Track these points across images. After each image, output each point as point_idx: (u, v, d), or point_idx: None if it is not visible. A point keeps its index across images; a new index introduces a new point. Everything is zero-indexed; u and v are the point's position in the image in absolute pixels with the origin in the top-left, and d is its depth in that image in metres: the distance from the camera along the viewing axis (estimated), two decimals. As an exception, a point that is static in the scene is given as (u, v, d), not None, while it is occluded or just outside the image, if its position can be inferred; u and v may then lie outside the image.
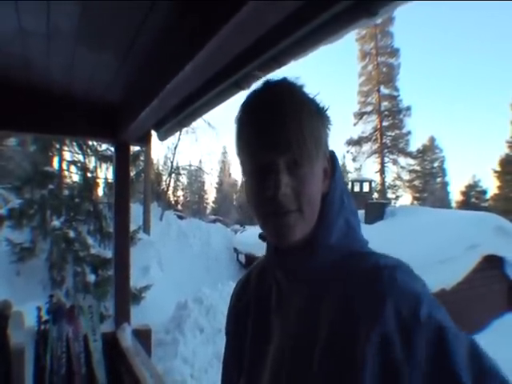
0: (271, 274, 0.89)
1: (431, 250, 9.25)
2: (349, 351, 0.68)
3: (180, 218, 20.50)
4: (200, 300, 8.03)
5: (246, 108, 0.81)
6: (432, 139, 42.01)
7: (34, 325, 2.49)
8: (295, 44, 1.32)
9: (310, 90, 0.81)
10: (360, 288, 0.71)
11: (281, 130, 0.74)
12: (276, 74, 0.84)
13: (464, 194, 38.26)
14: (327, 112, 0.81)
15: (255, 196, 0.78)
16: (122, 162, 2.78)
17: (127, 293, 2.83)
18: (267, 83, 0.81)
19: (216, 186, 55.03)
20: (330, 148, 0.83)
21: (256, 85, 0.83)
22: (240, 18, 0.91)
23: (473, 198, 37.16)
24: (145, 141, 2.77)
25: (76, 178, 10.75)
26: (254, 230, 14.05)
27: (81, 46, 1.67)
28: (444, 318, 0.69)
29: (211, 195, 55.67)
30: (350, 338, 0.68)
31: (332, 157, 0.85)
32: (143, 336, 2.74)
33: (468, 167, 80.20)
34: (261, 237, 0.86)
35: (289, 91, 0.79)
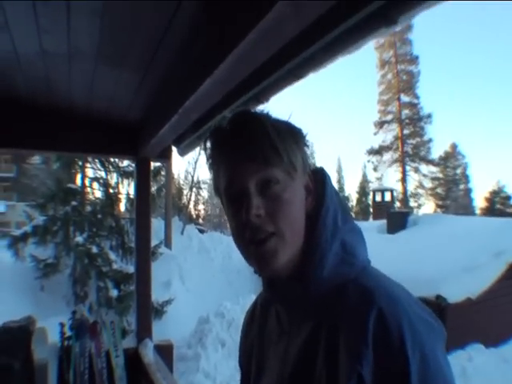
0: (272, 305, 0.88)
1: (455, 259, 9.04)
2: None
3: (201, 231, 20.56)
4: (222, 314, 8.00)
5: (213, 140, 0.79)
6: (454, 146, 41.45)
7: (58, 340, 2.50)
8: (314, 56, 1.30)
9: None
10: (345, 325, 0.68)
11: (247, 155, 0.73)
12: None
13: (488, 200, 37.48)
14: (302, 131, 0.79)
15: (232, 227, 0.76)
16: (142, 177, 2.80)
17: (149, 308, 2.83)
18: (232, 115, 0.79)
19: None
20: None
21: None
22: (261, 29, 0.91)
23: (498, 204, 36.38)
24: (165, 156, 2.78)
25: (98, 194, 10.96)
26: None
27: (101, 64, 1.70)
28: (428, 346, 0.65)
29: (232, 208, 55.79)
30: (334, 378, 0.66)
31: (320, 173, 0.82)
32: (165, 351, 2.72)
33: (492, 173, 78.81)
34: (255, 272, 0.83)
35: (253, 116, 0.77)
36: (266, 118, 0.77)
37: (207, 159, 0.81)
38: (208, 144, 0.80)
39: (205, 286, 13.76)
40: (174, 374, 2.67)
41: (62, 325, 2.51)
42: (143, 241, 2.79)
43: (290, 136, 0.76)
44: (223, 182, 0.77)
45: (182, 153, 2.63)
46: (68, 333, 2.50)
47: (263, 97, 1.64)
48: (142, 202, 2.80)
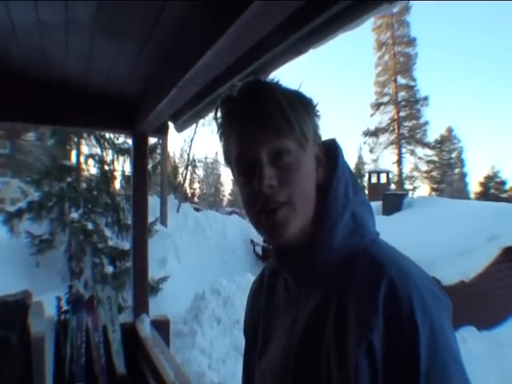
0: (281, 275, 0.88)
1: (450, 242, 9.12)
2: (342, 358, 0.67)
3: (196, 210, 20.59)
4: (217, 291, 8.07)
5: (224, 109, 0.79)
6: (450, 129, 41.30)
7: (54, 314, 2.52)
8: (315, 31, 1.28)
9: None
10: (356, 294, 0.69)
11: (259, 125, 0.72)
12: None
13: (483, 184, 37.61)
14: (312, 101, 0.78)
15: (244, 196, 0.76)
16: (139, 153, 2.77)
17: (145, 284, 2.84)
18: (242, 84, 0.78)
19: (232, 178, 55.07)
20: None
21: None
22: (261, 3, 0.89)
23: (492, 189, 36.54)
24: (162, 132, 2.75)
25: (94, 171, 10.88)
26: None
27: (98, 37, 1.66)
28: (436, 320, 0.65)
29: (227, 187, 55.85)
30: (343, 345, 0.67)
31: (332, 145, 0.82)
32: (162, 326, 2.75)
33: (487, 158, 78.94)
34: (265, 240, 0.84)
35: (264, 85, 0.76)
36: (276, 88, 0.76)
37: (218, 128, 0.80)
38: (219, 113, 0.79)
39: (200, 264, 13.87)
40: (171, 349, 2.70)
41: (58, 299, 2.53)
42: (140, 218, 2.79)
43: (301, 106, 0.76)
44: (234, 152, 0.76)
45: (179, 129, 2.60)
46: (65, 307, 2.52)
47: (263, 72, 1.62)
48: (139, 179, 2.78)
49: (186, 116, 2.37)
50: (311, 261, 0.76)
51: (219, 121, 0.80)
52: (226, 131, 0.79)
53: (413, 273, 0.69)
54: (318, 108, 0.79)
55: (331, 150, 0.81)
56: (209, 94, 1.90)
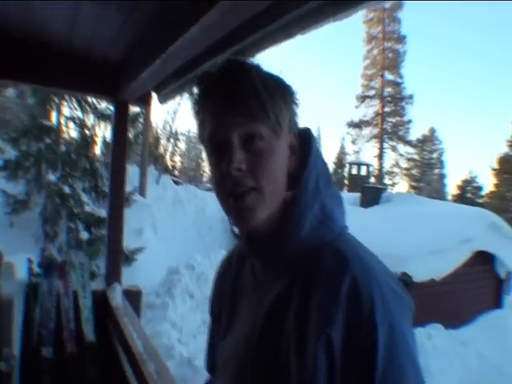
0: (248, 258, 0.88)
1: (424, 240, 9.31)
2: (301, 348, 0.67)
3: (176, 183, 20.43)
4: (192, 266, 8.09)
5: (201, 87, 0.77)
6: (432, 130, 41.74)
7: (25, 277, 2.48)
8: (304, 16, 1.25)
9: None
10: (318, 288, 0.69)
11: (233, 106, 0.71)
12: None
13: (460, 188, 38.35)
14: (291, 88, 0.77)
15: (213, 177, 0.75)
16: (120, 120, 2.72)
17: (119, 253, 2.82)
18: (222, 62, 0.76)
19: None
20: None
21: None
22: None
23: (468, 193, 37.30)
24: (145, 102, 2.71)
25: (74, 134, 10.60)
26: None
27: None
28: (396, 320, 0.66)
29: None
30: (303, 336, 0.67)
31: (306, 134, 0.81)
32: (133, 297, 2.75)
33: (466, 162, 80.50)
34: (232, 223, 0.83)
35: (243, 67, 0.75)
36: (256, 70, 0.74)
37: (193, 105, 0.79)
38: (195, 89, 0.78)
39: (176, 238, 13.85)
40: (141, 321, 2.70)
41: (30, 261, 2.49)
42: (117, 186, 2.75)
43: (279, 92, 0.74)
44: (207, 131, 0.75)
45: (163, 100, 2.56)
46: (36, 270, 2.48)
47: (249, 52, 1.59)
48: (119, 147, 2.73)
49: (169, 88, 2.33)
50: (278, 248, 0.76)
51: (195, 97, 0.78)
52: (201, 109, 0.77)
53: (376, 270, 0.69)
54: (296, 96, 0.78)
55: (305, 138, 0.80)
56: (193, 68, 1.86)
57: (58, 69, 2.39)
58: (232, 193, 0.71)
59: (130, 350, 2.07)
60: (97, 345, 2.41)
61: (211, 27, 1.23)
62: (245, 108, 0.70)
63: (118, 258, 2.81)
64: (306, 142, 0.79)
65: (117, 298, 2.62)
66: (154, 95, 2.58)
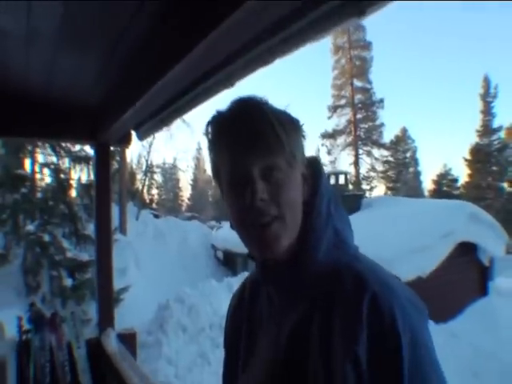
0: (263, 288, 0.90)
1: (407, 239, 9.41)
2: (328, 368, 0.70)
3: (156, 216, 20.27)
4: (181, 300, 7.96)
5: (217, 126, 0.81)
6: (404, 130, 42.65)
7: (15, 335, 2.41)
8: (282, 43, 1.30)
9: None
10: (340, 307, 0.72)
11: (253, 140, 0.75)
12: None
13: (436, 182, 39.07)
14: (300, 122, 0.83)
15: (234, 210, 0.78)
16: (102, 163, 2.70)
17: (110, 297, 2.77)
18: (234, 101, 0.81)
19: (191, 182, 54.71)
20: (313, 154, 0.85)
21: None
22: (233, 21, 0.90)
23: (444, 187, 37.99)
24: (125, 141, 2.70)
25: (49, 180, 10.46)
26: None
27: (62, 48, 1.61)
28: (417, 329, 0.70)
29: (186, 192, 55.33)
30: (329, 356, 0.70)
31: (315, 163, 0.86)
32: (128, 340, 2.69)
33: (439, 156, 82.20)
34: (249, 256, 0.85)
35: (257, 105, 0.79)
36: (268, 109, 0.79)
37: (208, 143, 0.83)
38: (209, 129, 0.82)
39: (161, 272, 13.64)
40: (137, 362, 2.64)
41: (19, 318, 2.42)
42: (104, 229, 2.72)
43: (292, 127, 0.80)
44: (226, 167, 0.79)
45: (142, 137, 2.56)
46: (26, 326, 2.42)
47: (229, 82, 1.62)
48: (102, 189, 2.72)
49: (148, 124, 2.34)
50: (296, 272, 0.79)
51: (210, 137, 0.82)
52: (218, 147, 0.81)
53: (394, 285, 0.73)
54: (303, 128, 0.83)
55: (313, 166, 0.85)
56: (174, 102, 1.88)
57: (36, 119, 2.38)
58: (255, 223, 0.74)
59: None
60: (96, 395, 2.34)
61: (191, 67, 1.25)
62: (262, 144, 0.75)
63: (110, 303, 2.76)
64: (314, 169, 0.84)
65: (112, 344, 2.56)
66: (133, 133, 2.58)
